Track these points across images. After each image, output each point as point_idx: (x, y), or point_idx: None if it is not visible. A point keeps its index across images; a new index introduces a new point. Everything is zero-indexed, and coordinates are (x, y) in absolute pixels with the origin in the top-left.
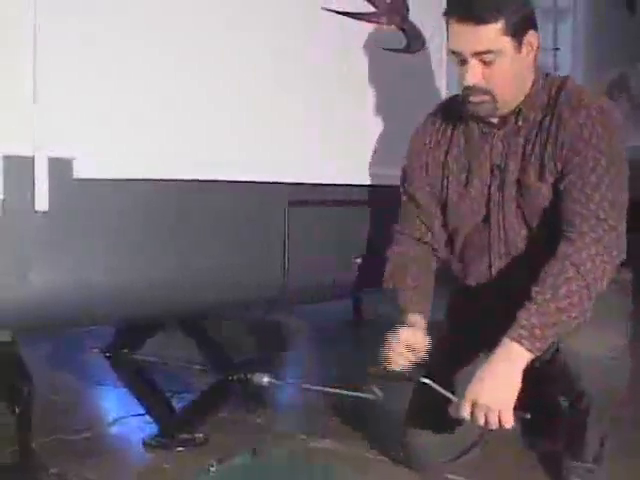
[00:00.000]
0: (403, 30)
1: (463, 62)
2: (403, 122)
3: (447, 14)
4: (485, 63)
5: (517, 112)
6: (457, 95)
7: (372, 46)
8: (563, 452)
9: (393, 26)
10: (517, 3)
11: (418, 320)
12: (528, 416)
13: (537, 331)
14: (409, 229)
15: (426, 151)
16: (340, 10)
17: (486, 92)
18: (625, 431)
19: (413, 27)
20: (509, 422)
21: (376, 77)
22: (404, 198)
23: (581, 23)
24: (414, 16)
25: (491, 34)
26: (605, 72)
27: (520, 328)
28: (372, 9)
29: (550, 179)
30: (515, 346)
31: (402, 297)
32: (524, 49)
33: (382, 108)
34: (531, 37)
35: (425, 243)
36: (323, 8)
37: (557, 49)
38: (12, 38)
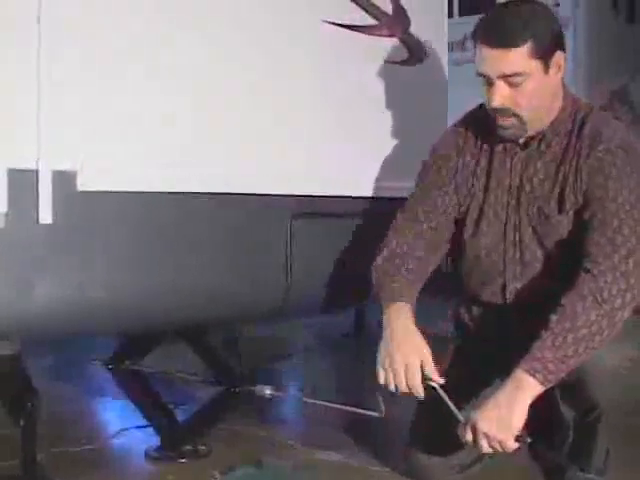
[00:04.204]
0: (405, 42)
1: (490, 84)
2: (405, 135)
3: (475, 38)
4: (512, 85)
5: (541, 137)
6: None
7: (374, 59)
8: (567, 463)
9: (395, 39)
10: (546, 23)
11: (406, 310)
12: (529, 440)
13: (551, 365)
14: (420, 214)
15: (457, 153)
16: (341, 23)
17: (513, 114)
18: (627, 442)
19: (415, 39)
20: (509, 448)
21: (378, 90)
22: (417, 192)
23: (581, 33)
24: (415, 28)
25: (518, 58)
26: (606, 83)
27: (534, 361)
28: (373, 22)
29: (570, 211)
30: (527, 378)
31: (391, 286)
32: (551, 70)
33: (384, 121)
34: (558, 58)
35: (431, 229)
36: (324, 21)
37: None
38: (16, 51)
